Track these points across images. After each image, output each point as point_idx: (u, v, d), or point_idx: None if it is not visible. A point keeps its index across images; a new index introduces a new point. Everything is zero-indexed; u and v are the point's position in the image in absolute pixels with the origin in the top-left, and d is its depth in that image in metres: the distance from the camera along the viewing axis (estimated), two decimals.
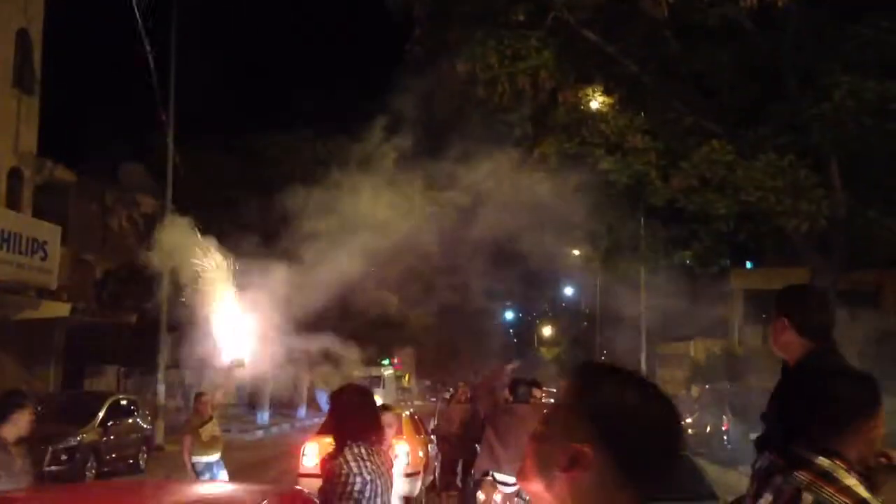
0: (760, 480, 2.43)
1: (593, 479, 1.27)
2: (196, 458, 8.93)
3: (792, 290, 3.01)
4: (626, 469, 1.27)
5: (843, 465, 2.26)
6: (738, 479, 11.17)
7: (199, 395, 9.37)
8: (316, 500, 3.71)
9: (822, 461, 2.26)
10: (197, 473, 8.80)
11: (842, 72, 13.99)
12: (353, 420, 3.80)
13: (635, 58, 16.55)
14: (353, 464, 3.67)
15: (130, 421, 17.23)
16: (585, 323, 52.33)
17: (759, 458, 2.54)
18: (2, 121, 19.15)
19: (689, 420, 21.53)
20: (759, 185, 14.61)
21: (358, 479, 3.63)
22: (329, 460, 3.73)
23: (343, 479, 3.61)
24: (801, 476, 2.28)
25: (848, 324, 17.97)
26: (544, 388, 9.60)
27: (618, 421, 1.28)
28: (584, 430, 1.27)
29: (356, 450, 3.74)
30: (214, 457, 9.08)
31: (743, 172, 14.75)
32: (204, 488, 5.34)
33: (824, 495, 2.20)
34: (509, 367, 7.95)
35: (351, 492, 3.61)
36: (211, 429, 9.05)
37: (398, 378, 34.32)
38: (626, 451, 1.27)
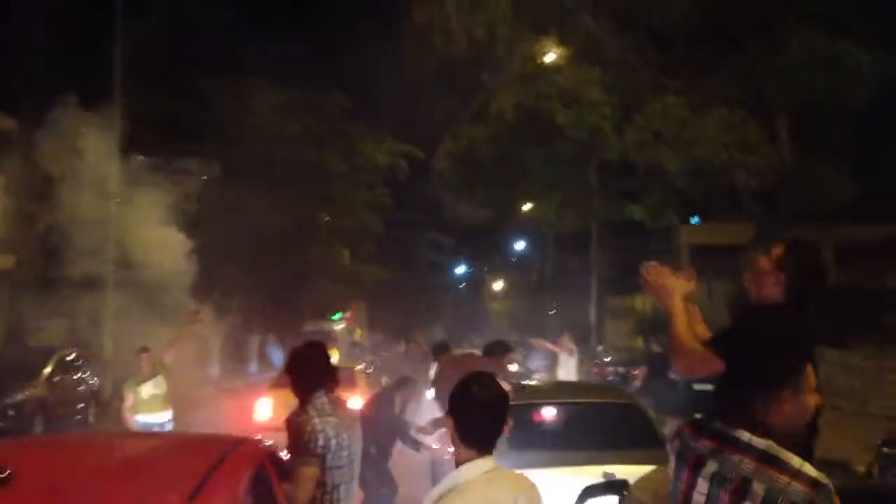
0: (692, 466, 2.21)
1: None
2: (138, 418, 8.63)
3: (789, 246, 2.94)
4: None
5: (775, 441, 2.10)
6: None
7: (140, 351, 9.03)
8: (278, 451, 3.71)
9: (757, 441, 2.10)
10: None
11: (796, 24, 14.16)
12: (308, 372, 3.85)
13: (591, 10, 16.50)
14: (316, 420, 3.69)
15: (77, 376, 16.90)
16: (536, 277, 52.91)
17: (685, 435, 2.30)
18: None
19: (636, 371, 21.96)
20: (711, 139, 14.80)
21: (321, 436, 3.65)
22: (293, 417, 3.75)
23: (308, 435, 3.63)
24: (744, 463, 2.10)
25: None
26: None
27: None
28: None
29: (319, 405, 3.75)
30: (158, 417, 8.70)
31: (695, 127, 14.92)
32: (165, 438, 5.28)
33: (778, 485, 2.04)
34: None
35: (315, 447, 3.63)
36: (152, 387, 8.72)
37: (350, 333, 34.30)
38: None
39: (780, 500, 2.04)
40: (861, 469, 5.89)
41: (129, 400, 8.62)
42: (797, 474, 2.06)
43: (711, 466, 2.16)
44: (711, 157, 14.77)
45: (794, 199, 16.94)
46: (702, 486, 2.17)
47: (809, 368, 2.22)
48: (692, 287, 2.77)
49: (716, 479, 2.15)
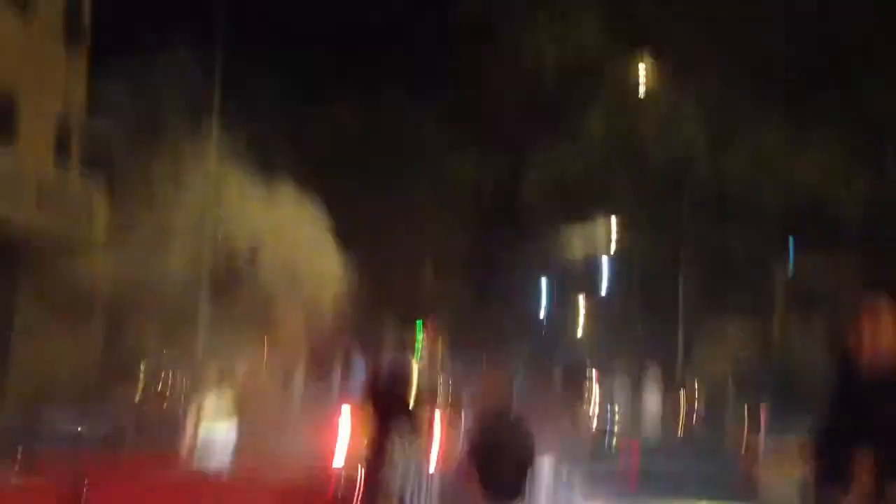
0: None
1: None
2: (201, 427, 8.59)
3: None
4: None
5: None
6: None
7: (209, 359, 9.16)
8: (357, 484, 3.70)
9: None
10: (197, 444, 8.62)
11: None
12: (383, 402, 3.86)
13: (686, 24, 15.95)
14: (393, 456, 3.68)
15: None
16: (620, 302, 51.97)
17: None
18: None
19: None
20: (812, 168, 14.24)
21: (397, 476, 3.66)
22: (371, 458, 3.77)
23: (383, 476, 3.64)
24: None
25: None
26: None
27: None
28: None
29: (396, 444, 3.75)
30: (222, 425, 8.67)
31: (796, 156, 14.37)
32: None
33: None
34: None
35: (391, 489, 3.64)
36: (217, 396, 8.78)
37: (431, 346, 34.32)
38: None
39: None
40: None
41: (196, 410, 8.77)
42: None
43: None
44: (812, 186, 14.17)
45: None
46: None
47: None
48: None
49: None
